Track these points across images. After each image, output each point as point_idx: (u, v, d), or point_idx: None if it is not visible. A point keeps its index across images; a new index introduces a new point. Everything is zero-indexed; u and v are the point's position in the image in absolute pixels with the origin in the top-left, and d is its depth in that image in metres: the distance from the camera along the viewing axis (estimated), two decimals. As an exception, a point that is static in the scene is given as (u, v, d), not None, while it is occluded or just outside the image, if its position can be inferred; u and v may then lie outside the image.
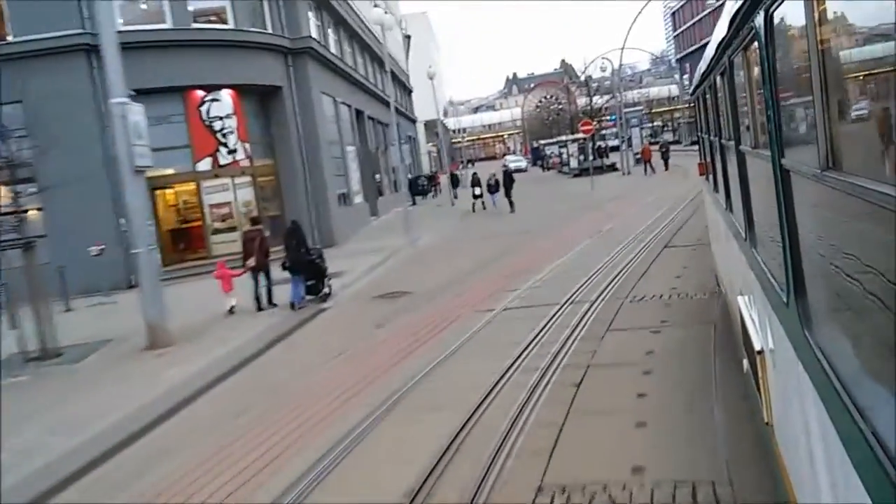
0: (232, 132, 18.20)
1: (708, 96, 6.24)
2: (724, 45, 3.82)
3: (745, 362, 3.88)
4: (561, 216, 21.27)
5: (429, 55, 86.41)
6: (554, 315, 9.03)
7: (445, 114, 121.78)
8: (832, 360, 2.01)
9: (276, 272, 12.08)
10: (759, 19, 2.52)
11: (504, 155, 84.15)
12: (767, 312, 3.16)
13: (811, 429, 2.34)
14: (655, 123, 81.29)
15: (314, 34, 22.56)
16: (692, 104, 10.60)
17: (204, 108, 18.75)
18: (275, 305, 12.03)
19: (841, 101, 1.88)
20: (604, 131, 56.67)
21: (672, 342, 7.24)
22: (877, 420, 1.62)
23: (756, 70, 2.92)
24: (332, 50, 25.10)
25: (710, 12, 79.72)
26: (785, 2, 2.21)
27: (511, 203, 24.78)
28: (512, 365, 7.16)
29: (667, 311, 8.51)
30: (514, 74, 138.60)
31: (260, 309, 11.92)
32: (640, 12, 45.16)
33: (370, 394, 6.94)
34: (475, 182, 27.95)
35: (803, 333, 2.32)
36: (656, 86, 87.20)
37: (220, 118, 18.09)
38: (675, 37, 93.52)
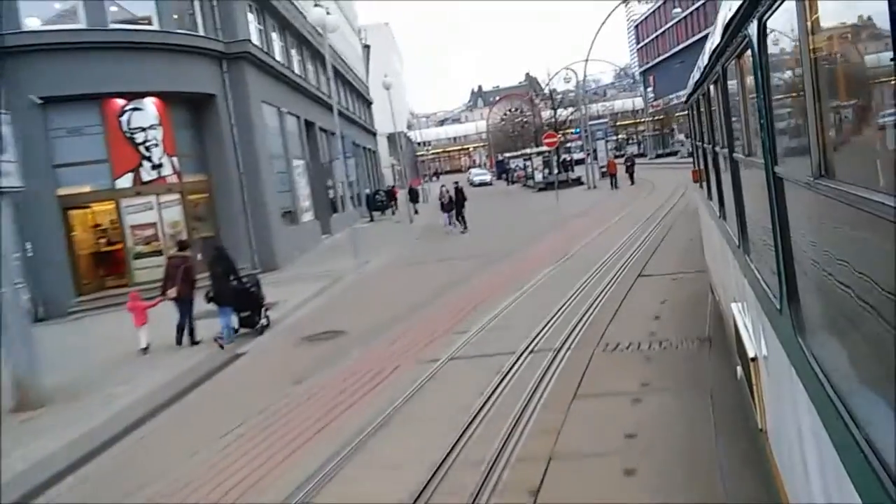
0: (157, 145, 16.30)
1: (701, 104, 6.29)
2: (717, 54, 3.86)
3: (739, 369, 3.90)
4: (523, 236, 20.32)
5: (391, 67, 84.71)
6: (509, 371, 7.76)
7: (410, 127, 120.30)
8: (825, 367, 2.05)
9: (204, 303, 11.17)
10: (753, 28, 2.58)
11: (469, 168, 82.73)
12: (761, 319, 3.18)
13: (804, 435, 2.36)
14: (620, 136, 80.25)
15: (254, 38, 21.75)
16: (686, 111, 10.32)
17: (124, 119, 17.68)
18: (197, 342, 11.13)
19: (834, 109, 1.91)
20: (569, 144, 55.33)
21: (658, 419, 5.93)
22: (870, 426, 1.63)
23: (749, 78, 2.95)
24: (278, 56, 23.28)
25: (673, 24, 79.10)
26: (778, 10, 2.25)
27: (464, 222, 24.11)
28: (450, 454, 5.75)
29: (648, 368, 7.24)
30: (480, 87, 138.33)
31: (182, 345, 11.09)
32: (602, 24, 44.05)
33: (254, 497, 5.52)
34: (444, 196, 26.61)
35: (796, 340, 2.37)
36: (620, 99, 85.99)
37: (143, 129, 16.25)
38: (638, 49, 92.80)
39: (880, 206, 1.42)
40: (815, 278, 2.26)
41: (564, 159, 45.44)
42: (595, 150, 42.18)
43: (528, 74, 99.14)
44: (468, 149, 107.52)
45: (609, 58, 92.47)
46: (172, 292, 10.83)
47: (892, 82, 1.36)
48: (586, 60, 36.89)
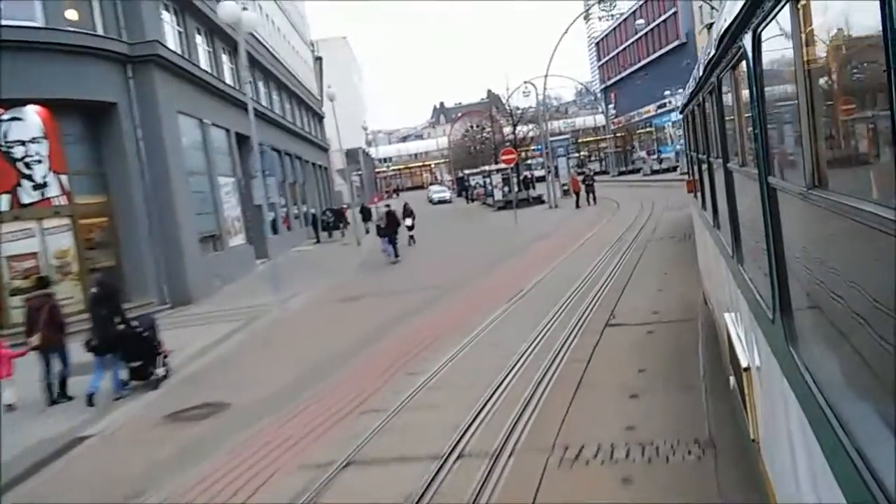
0: (40, 161, 13.88)
1: (696, 114, 6.25)
2: (712, 65, 3.97)
3: (732, 379, 4.01)
4: (476, 265, 18.71)
5: (350, 82, 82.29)
6: (424, 493, 5.49)
7: (370, 143, 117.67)
8: (817, 377, 2.14)
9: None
10: (747, 39, 2.68)
11: (430, 184, 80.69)
12: (754, 329, 3.28)
13: (796, 445, 2.47)
14: (582, 154, 79.02)
15: (172, 41, 20.24)
16: (682, 121, 10.17)
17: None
18: (69, 398, 9.69)
19: (827, 120, 2.01)
20: (530, 161, 53.26)
21: None
22: (861, 437, 1.71)
23: (743, 88, 3.07)
24: (203, 62, 20.26)
25: (634, 41, 78.15)
26: (772, 22, 2.35)
27: (395, 250, 22.48)
28: None
29: (626, 495, 5.07)
30: (442, 104, 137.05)
31: (53, 402, 9.68)
32: (560, 39, 41.82)
33: None
34: (406, 213, 26.61)
35: (789, 350, 2.45)
36: (582, 116, 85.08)
37: (23, 143, 13.75)
38: (599, 66, 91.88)
39: (874, 217, 1.46)
40: (808, 289, 2.33)
41: (525, 177, 43.35)
42: (556, 168, 39.94)
43: (489, 91, 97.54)
44: (430, 165, 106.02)
45: (571, 75, 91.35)
46: (35, 339, 9.47)
47: (885, 93, 1.34)
48: (545, 76, 35.01)
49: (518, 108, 49.59)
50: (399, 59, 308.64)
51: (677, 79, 65.30)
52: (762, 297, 2.98)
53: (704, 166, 6.12)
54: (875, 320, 1.59)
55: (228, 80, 25.86)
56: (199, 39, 22.61)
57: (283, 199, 32.32)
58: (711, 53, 3.86)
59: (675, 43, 72.31)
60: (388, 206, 25.54)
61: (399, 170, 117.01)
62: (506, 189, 41.82)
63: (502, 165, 42.51)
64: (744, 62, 2.79)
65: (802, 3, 1.99)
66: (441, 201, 59.65)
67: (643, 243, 18.12)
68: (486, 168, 44.04)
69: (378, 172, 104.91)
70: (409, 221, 26.15)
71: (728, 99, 3.86)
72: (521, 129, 49.88)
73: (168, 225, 17.78)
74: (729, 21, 2.93)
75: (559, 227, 26.34)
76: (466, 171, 45.98)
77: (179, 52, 20.38)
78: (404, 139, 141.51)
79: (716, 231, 5.38)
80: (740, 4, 2.64)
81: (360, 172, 76.34)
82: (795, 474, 2.50)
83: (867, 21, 1.44)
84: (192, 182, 19.89)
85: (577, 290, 12.76)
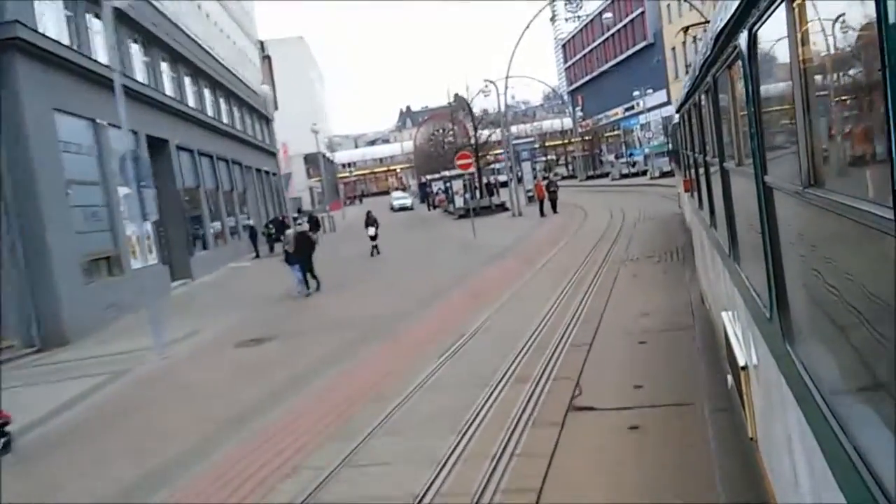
0: None
1: (692, 114, 6.36)
2: (708, 64, 4.07)
3: (730, 378, 4.17)
4: (418, 293, 16.02)
5: (308, 84, 78.52)
6: None
7: (334, 147, 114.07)
8: (814, 375, 2.25)
9: None
10: (743, 38, 2.79)
11: (395, 189, 77.79)
12: (751, 328, 3.39)
13: (794, 443, 2.58)
14: (549, 157, 76.27)
15: (55, 26, 17.30)
16: (678, 121, 9.77)
17: None
18: None
19: (823, 119, 2.11)
20: (495, 165, 50.23)
21: None
22: (858, 434, 1.78)
23: (739, 88, 3.20)
24: (103, 55, 19.37)
25: (601, 42, 75.92)
26: (768, 21, 2.42)
27: (308, 281, 18.45)
28: None
29: None
30: (408, 107, 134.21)
31: None
32: (522, 34, 38.25)
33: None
34: (369, 221, 25.63)
35: (786, 348, 2.57)
36: (549, 119, 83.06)
37: None
38: (566, 69, 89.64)
39: (869, 216, 1.51)
40: (805, 287, 2.45)
41: (489, 182, 40.30)
42: (521, 173, 36.94)
43: (456, 95, 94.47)
44: (395, 170, 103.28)
45: (539, 79, 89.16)
46: None
47: (881, 92, 1.38)
48: (507, 77, 31.88)
49: (484, 110, 46.14)
50: (367, 62, 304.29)
51: (645, 80, 63.08)
52: (759, 295, 3.11)
53: (701, 165, 6.18)
54: (871, 318, 1.66)
55: (141, 76, 22.26)
56: (95, 25, 19.01)
57: (212, 210, 28.91)
58: (707, 52, 3.96)
59: (643, 43, 70.82)
60: (300, 223, 21.84)
61: (364, 175, 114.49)
62: (467, 196, 41.55)
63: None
64: (740, 61, 2.92)
65: (798, 2, 2.06)
66: (402, 208, 57.05)
67: (617, 263, 15.36)
68: (447, 173, 40.90)
69: (341, 178, 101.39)
70: (371, 230, 25.75)
71: (724, 98, 3.96)
72: (485, 133, 46.71)
73: (36, 247, 14.48)
74: (725, 20, 3.05)
75: (522, 241, 25.90)
76: (429, 177, 42.73)
77: (66, 40, 16.84)
78: (372, 143, 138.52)
79: (712, 230, 5.45)
80: (736, 4, 2.77)
81: (319, 178, 72.46)
82: (794, 473, 2.60)
83: (863, 20, 1.51)
84: (78, 194, 16.98)
85: (532, 339, 9.66)
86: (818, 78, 2.02)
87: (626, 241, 20.29)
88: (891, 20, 1.28)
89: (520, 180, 40.38)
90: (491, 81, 36.42)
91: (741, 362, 3.56)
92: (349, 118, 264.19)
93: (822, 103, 2.04)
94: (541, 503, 5.04)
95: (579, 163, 68.70)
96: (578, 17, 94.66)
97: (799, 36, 2.04)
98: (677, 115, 10.69)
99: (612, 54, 79.87)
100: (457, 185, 41.98)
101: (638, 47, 73.35)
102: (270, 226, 35.96)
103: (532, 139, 53.95)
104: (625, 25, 76.68)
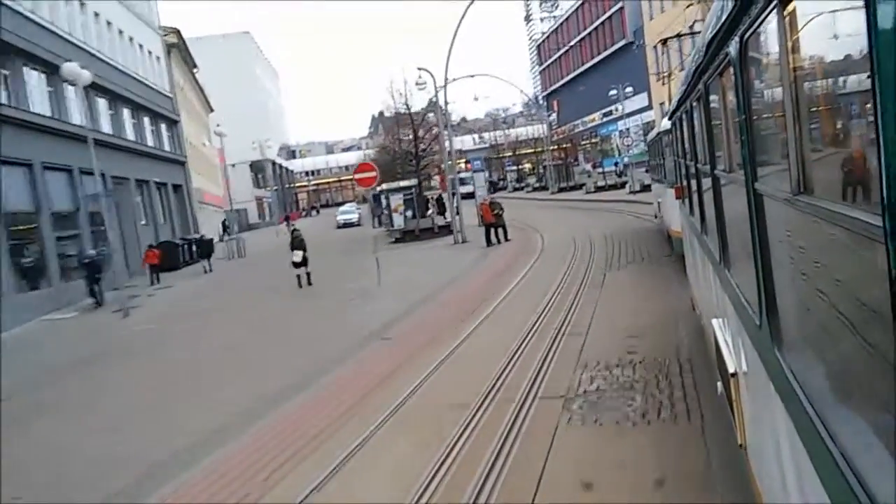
0: None
1: (684, 121, 6.35)
2: (699, 71, 4.08)
3: (720, 385, 4.12)
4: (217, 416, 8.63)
5: (255, 84, 70.48)
6: None
7: (294, 154, 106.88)
8: (803, 382, 2.25)
9: None
10: (734, 46, 2.81)
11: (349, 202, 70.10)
12: (741, 335, 3.38)
13: (783, 450, 2.58)
14: (521, 167, 69.03)
15: None
16: (670, 127, 9.56)
17: None
18: None
19: (813, 127, 2.13)
20: (461, 175, 42.89)
21: None
22: (847, 441, 1.77)
23: (730, 95, 3.22)
24: None
25: (577, 41, 69.00)
26: (759, 29, 2.47)
27: None
28: None
29: None
30: (381, 113, 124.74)
31: None
32: (461, 19, 29.71)
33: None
34: (296, 244, 19.22)
35: (775, 355, 2.56)
36: (521, 126, 75.93)
37: None
38: (541, 72, 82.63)
39: (858, 223, 1.52)
40: (795, 294, 2.47)
41: (440, 196, 32.66)
42: (473, 187, 29.61)
43: (430, 100, 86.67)
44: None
45: (519, 85, 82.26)
46: None
47: (871, 100, 1.39)
48: (445, 75, 24.53)
49: (425, 113, 38.02)
50: (347, 65, 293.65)
51: (625, 81, 55.69)
52: (749, 302, 3.13)
53: (692, 172, 6.19)
54: (860, 325, 1.68)
55: None
56: None
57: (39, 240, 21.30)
58: (699, 60, 4.00)
59: (622, 42, 63.79)
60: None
61: (328, 183, 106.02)
62: (408, 214, 33.77)
63: (405, 183, 32.04)
64: (731, 69, 2.94)
65: (789, 10, 2.07)
66: (347, 224, 48.79)
67: (585, 331, 10.89)
68: (384, 186, 33.29)
69: (301, 187, 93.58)
70: (296, 256, 19.26)
71: (715, 105, 3.99)
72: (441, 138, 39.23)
73: None
74: (716, 28, 3.06)
75: (445, 290, 17.25)
76: (382, 187, 35.40)
77: None
78: (348, 149, 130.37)
79: (703, 237, 5.45)
80: (727, 12, 2.79)
81: (273, 188, 63.91)
82: (783, 479, 2.62)
83: (853, 28, 1.49)
84: None
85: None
86: (808, 86, 2.05)
87: (590, 305, 12.18)
88: (881, 28, 1.30)
89: (469, 196, 32.88)
90: (427, 70, 28.76)
91: (731, 369, 3.60)
92: (326, 123, 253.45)
93: (812, 111, 2.07)
94: None
95: (550, 173, 60.26)
96: (555, 17, 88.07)
97: (789, 44, 2.08)
98: (667, 122, 10.17)
99: (590, 55, 74.89)
100: (396, 200, 32.74)
101: (616, 46, 66.98)
102: (154, 249, 27.94)
103: (484, 147, 46.59)
104: (602, 23, 70.46)
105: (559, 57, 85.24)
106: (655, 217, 23.02)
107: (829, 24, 1.75)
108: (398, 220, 35.01)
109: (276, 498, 6.06)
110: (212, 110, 63.26)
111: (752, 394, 3.15)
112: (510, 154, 77.79)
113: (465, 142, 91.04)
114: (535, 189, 67.27)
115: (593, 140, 75.32)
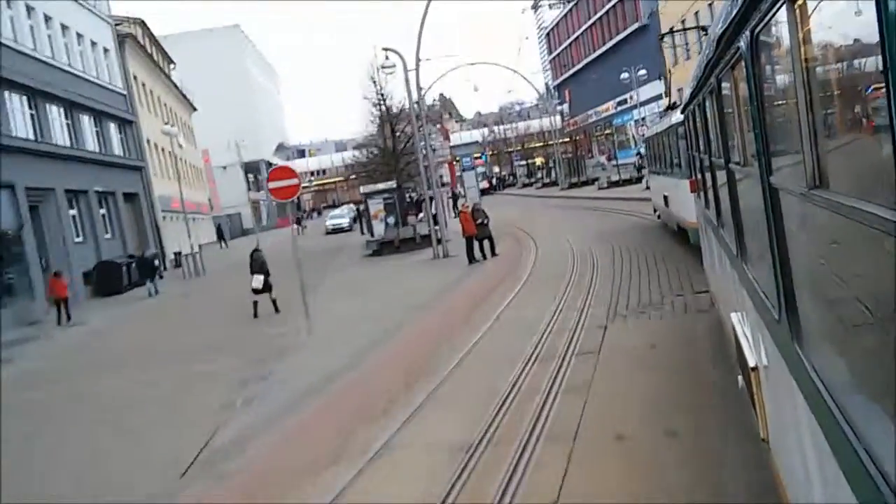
0: None
1: (697, 115, 6.35)
2: (711, 65, 4.04)
3: (740, 378, 4.07)
4: None
5: (250, 79, 66.18)
6: None
7: (303, 154, 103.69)
8: (824, 376, 2.22)
9: None
10: (745, 40, 2.79)
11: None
12: (760, 329, 3.36)
13: (805, 444, 2.55)
14: (531, 161, 64.71)
15: None
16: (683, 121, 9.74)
17: None
18: None
19: (826, 120, 2.09)
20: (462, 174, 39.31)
21: None
22: (869, 434, 1.76)
23: (743, 89, 3.18)
24: None
25: (588, 27, 64.38)
26: (770, 23, 2.46)
27: None
28: None
29: None
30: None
31: None
32: (425, 12, 24.47)
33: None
34: (256, 266, 15.67)
35: (795, 349, 2.54)
36: (535, 119, 72.15)
37: None
38: (551, 61, 77.94)
39: (874, 218, 1.51)
40: (813, 288, 2.45)
41: (419, 198, 28.69)
42: (463, 189, 25.16)
43: (441, 94, 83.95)
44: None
45: (533, 78, 77.48)
46: None
47: (884, 93, 1.38)
48: (417, 56, 19.67)
49: (401, 108, 32.06)
50: (351, 59, 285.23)
51: (640, 67, 50.81)
52: (767, 296, 3.08)
53: (706, 166, 6.12)
54: (879, 319, 1.66)
55: None
56: None
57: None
58: (710, 54, 3.94)
59: (635, 26, 58.67)
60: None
61: (335, 183, 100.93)
62: (390, 220, 29.60)
63: (382, 186, 27.57)
64: (742, 63, 2.92)
65: (799, 3, 2.05)
66: (336, 230, 44.28)
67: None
68: (364, 189, 28.73)
69: (304, 188, 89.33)
70: (255, 282, 15.80)
71: (728, 99, 3.95)
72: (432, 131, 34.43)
73: None
74: (727, 22, 3.03)
75: (403, 329, 12.84)
76: (362, 190, 31.03)
77: None
78: (358, 147, 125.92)
79: (720, 230, 5.40)
80: (738, 6, 2.77)
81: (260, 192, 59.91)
82: (806, 473, 2.59)
83: (864, 21, 1.47)
84: None
85: None
86: (820, 79, 2.02)
87: (587, 366, 8.09)
88: (892, 19, 1.28)
89: (455, 200, 28.13)
90: (394, 51, 23.48)
91: (751, 363, 3.56)
92: (336, 120, 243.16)
93: (824, 104, 2.04)
94: None
95: (560, 168, 54.70)
96: (564, 2, 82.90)
97: (800, 37, 2.05)
98: (681, 115, 10.23)
99: (601, 41, 70.07)
100: (375, 206, 29.09)
101: (630, 30, 62.00)
102: (58, 277, 22.71)
103: (476, 142, 41.60)
104: (614, 6, 65.09)
105: (569, 44, 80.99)
106: (655, 213, 21.42)
107: (840, 17, 1.76)
108: (378, 228, 30.62)
109: None
110: (194, 109, 58.62)
111: (773, 388, 3.18)
112: (518, 148, 72.95)
113: (474, 136, 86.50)
114: (544, 185, 63.36)
115: (607, 132, 70.42)
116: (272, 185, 13.21)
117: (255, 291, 16.01)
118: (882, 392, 1.63)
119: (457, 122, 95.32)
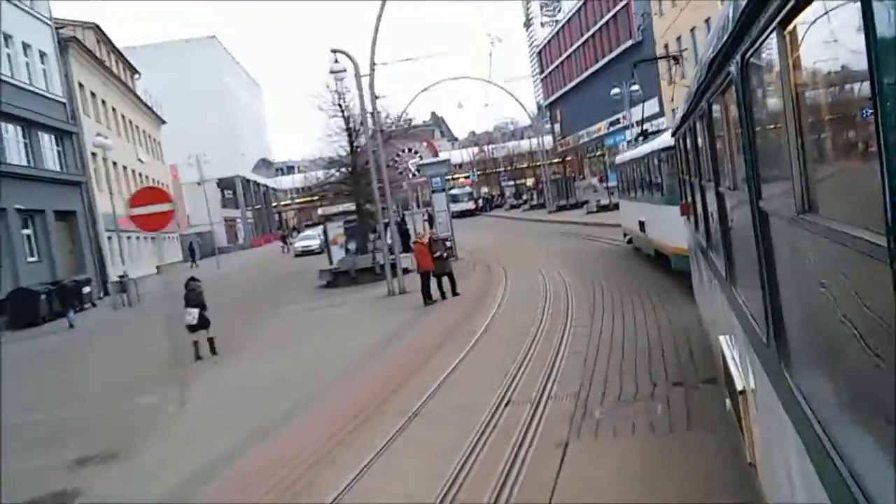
0: None
1: (688, 138, 6.41)
2: (702, 90, 4.10)
3: (728, 402, 4.13)
4: None
5: (220, 94, 63.09)
6: None
7: (293, 170, 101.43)
8: (811, 400, 2.26)
9: None
10: (735, 65, 2.84)
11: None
12: (748, 352, 3.38)
13: (792, 468, 2.57)
14: (521, 181, 62.07)
15: None
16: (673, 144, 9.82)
17: None
18: None
19: (815, 145, 2.12)
20: (454, 190, 35.66)
21: None
22: (856, 460, 1.78)
23: (733, 113, 3.22)
24: None
25: (580, 44, 62.20)
26: (760, 48, 2.49)
27: None
28: None
29: None
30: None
31: None
32: (378, 17, 21.56)
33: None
34: (192, 299, 13.00)
35: (783, 373, 2.56)
36: (526, 139, 70.14)
37: None
38: (542, 79, 75.91)
39: (863, 242, 1.53)
40: (801, 312, 2.45)
41: (402, 220, 26.00)
42: (432, 211, 22.46)
43: (433, 113, 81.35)
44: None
45: (522, 97, 75.37)
46: None
47: (873, 118, 1.40)
48: (372, 47, 16.53)
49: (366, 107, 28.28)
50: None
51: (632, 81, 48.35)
52: (756, 320, 3.10)
53: (696, 189, 6.17)
54: (867, 344, 1.68)
55: None
56: None
57: None
58: (701, 79, 4.00)
59: (629, 43, 55.82)
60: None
61: (313, 202, 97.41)
62: (351, 246, 25.63)
63: (343, 207, 24.71)
64: (733, 87, 2.96)
65: (789, 29, 2.08)
66: (306, 252, 41.36)
67: None
68: (322, 211, 25.70)
69: (284, 206, 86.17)
70: (189, 316, 12.81)
71: (718, 123, 3.98)
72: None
73: None
74: (717, 47, 3.09)
75: (266, 443, 8.19)
76: (320, 211, 28.17)
77: None
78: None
79: (709, 253, 5.47)
80: (728, 32, 2.80)
81: (243, 208, 57.39)
82: (792, 497, 2.60)
83: (853, 47, 1.50)
84: None
85: None
86: (810, 104, 2.05)
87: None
88: (880, 46, 1.30)
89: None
90: (344, 53, 19.68)
91: (739, 387, 3.58)
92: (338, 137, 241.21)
93: (814, 130, 2.08)
94: None
95: (547, 189, 51.83)
96: (557, 20, 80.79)
97: (790, 63, 2.09)
98: (671, 139, 10.20)
99: (594, 59, 67.01)
100: (334, 230, 25.53)
101: (623, 48, 59.40)
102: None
103: (446, 160, 38.51)
104: (606, 23, 62.80)
105: (561, 63, 79.47)
106: (625, 237, 20.93)
107: (829, 43, 1.80)
108: (339, 255, 27.27)
109: None
110: (163, 122, 56.32)
111: (761, 411, 3.20)
112: (505, 168, 70.31)
113: (464, 155, 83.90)
114: (532, 207, 61.12)
115: (598, 153, 67.85)
116: (135, 211, 9.84)
117: (191, 329, 13.03)
118: (869, 417, 1.68)
119: (449, 141, 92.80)
